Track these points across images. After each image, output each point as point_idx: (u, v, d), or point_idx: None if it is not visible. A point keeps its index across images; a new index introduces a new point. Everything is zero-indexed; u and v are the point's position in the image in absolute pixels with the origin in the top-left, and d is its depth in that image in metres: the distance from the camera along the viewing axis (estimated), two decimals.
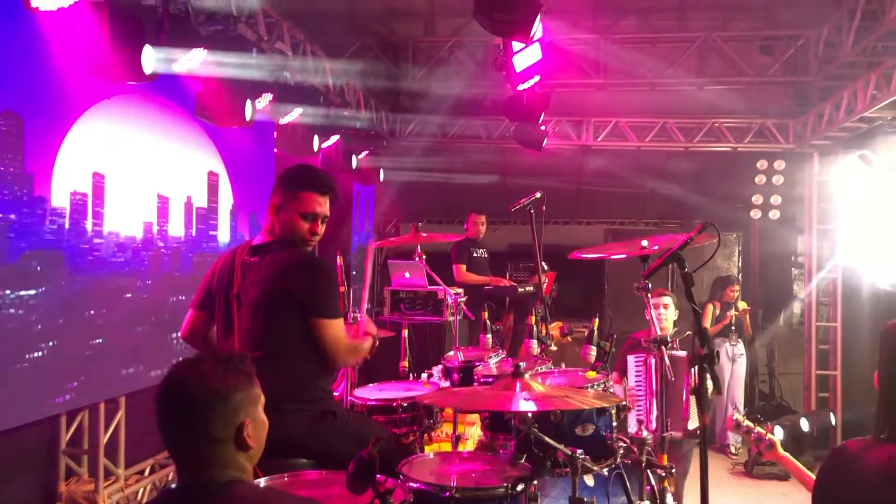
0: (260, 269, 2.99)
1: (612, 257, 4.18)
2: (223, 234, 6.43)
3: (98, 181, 4.83)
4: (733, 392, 8.00)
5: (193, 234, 5.94)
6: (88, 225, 4.76)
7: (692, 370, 3.47)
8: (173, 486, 1.91)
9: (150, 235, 5.36)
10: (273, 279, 2.95)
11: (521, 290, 7.71)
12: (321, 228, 3.10)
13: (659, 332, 4.57)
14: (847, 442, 2.25)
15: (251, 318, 2.96)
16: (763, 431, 3.09)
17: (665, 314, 5.03)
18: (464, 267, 7.79)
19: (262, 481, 2.56)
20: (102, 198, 4.87)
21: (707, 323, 7.92)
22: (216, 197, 6.33)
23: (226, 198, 6.48)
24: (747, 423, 3.16)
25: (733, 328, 7.95)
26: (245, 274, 3.02)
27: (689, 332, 4.96)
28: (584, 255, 3.90)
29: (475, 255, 7.96)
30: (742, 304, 8.05)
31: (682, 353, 4.22)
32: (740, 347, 8.05)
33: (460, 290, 5.97)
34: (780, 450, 3.06)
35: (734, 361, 8.01)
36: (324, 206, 3.08)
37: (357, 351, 3.16)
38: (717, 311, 8.03)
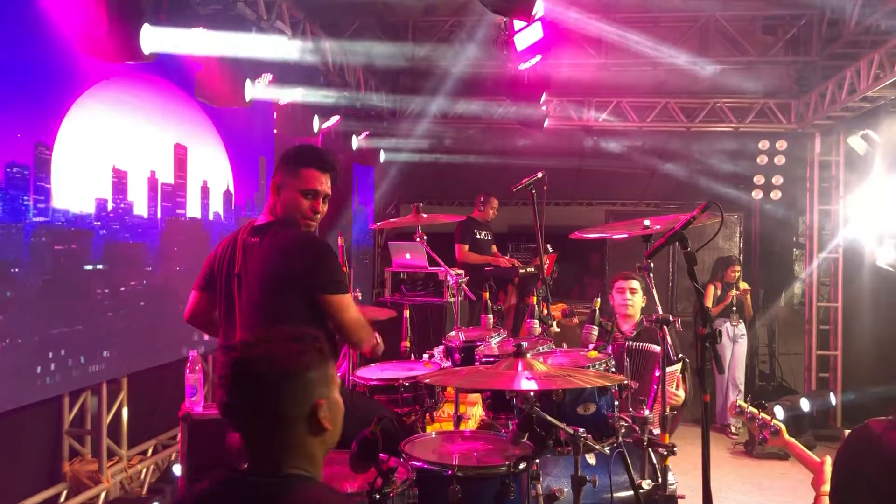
0: (261, 249, 2.98)
1: (614, 237, 4.15)
2: (192, 212, 6.04)
3: (42, 153, 4.32)
4: (734, 372, 8.03)
5: (158, 212, 5.55)
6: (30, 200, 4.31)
7: (663, 367, 3.49)
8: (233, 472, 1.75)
9: (103, 213, 4.87)
10: (274, 260, 2.94)
11: (522, 270, 7.70)
12: (323, 207, 3.07)
13: (621, 320, 4.53)
14: (869, 421, 2.22)
15: (252, 299, 2.96)
16: (767, 417, 3.09)
17: (632, 299, 4.79)
18: (466, 247, 7.78)
19: None
20: (48, 171, 4.37)
21: (708, 303, 7.94)
22: (184, 172, 5.87)
23: (195, 173, 6.03)
24: (751, 409, 3.15)
25: (734, 308, 7.97)
26: (246, 254, 3.01)
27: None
28: (585, 235, 3.90)
29: (478, 236, 7.94)
30: (743, 285, 8.06)
31: (657, 348, 4.10)
32: (741, 328, 8.06)
33: (461, 272, 5.96)
34: (786, 435, 3.06)
35: (735, 342, 8.03)
36: (325, 184, 3.05)
37: (366, 329, 3.12)
38: (719, 292, 8.04)
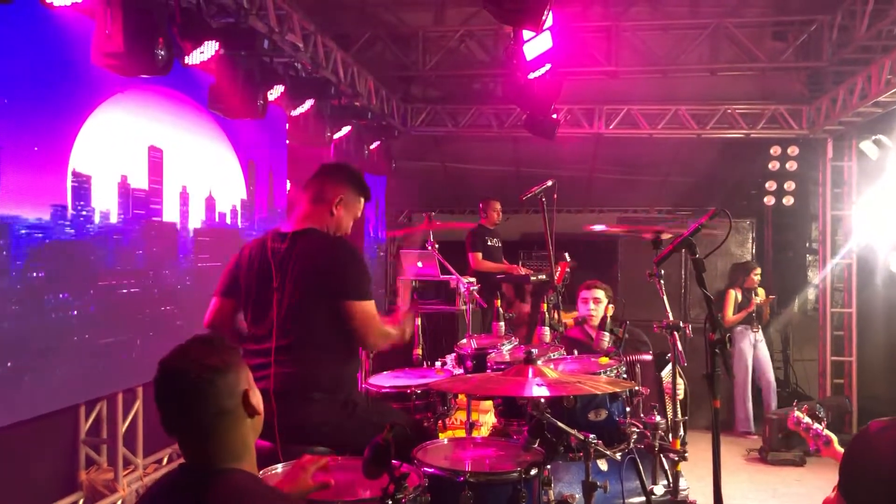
0: (294, 255, 3.01)
1: (629, 236, 4.18)
2: (171, 220, 5.64)
3: None
4: (767, 375, 8.10)
5: (130, 219, 5.13)
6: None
7: (660, 376, 3.52)
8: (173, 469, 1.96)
9: (60, 222, 4.44)
10: (309, 265, 2.98)
11: (534, 278, 7.72)
12: None
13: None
14: (871, 423, 2.30)
15: (283, 306, 2.98)
16: (820, 428, 3.15)
17: (595, 309, 4.72)
18: (479, 255, 7.80)
19: (279, 467, 2.61)
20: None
21: (730, 309, 7.95)
22: (159, 177, 5.48)
23: (173, 177, 5.60)
24: (807, 419, 3.23)
25: (755, 315, 7.99)
26: (280, 263, 3.03)
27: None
28: (595, 228, 3.92)
29: (490, 243, 7.97)
30: (761, 291, 8.06)
31: (648, 357, 4.08)
32: (760, 333, 8.09)
33: (472, 279, 5.98)
34: (837, 446, 3.11)
35: (755, 347, 8.05)
36: None
37: (389, 336, 3.18)
38: (740, 298, 8.03)
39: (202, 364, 1.85)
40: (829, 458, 3.10)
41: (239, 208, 6.58)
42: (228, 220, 6.43)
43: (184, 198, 5.78)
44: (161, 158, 5.51)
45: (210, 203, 6.11)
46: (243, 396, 1.89)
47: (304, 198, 3.19)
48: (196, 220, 5.92)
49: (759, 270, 8.10)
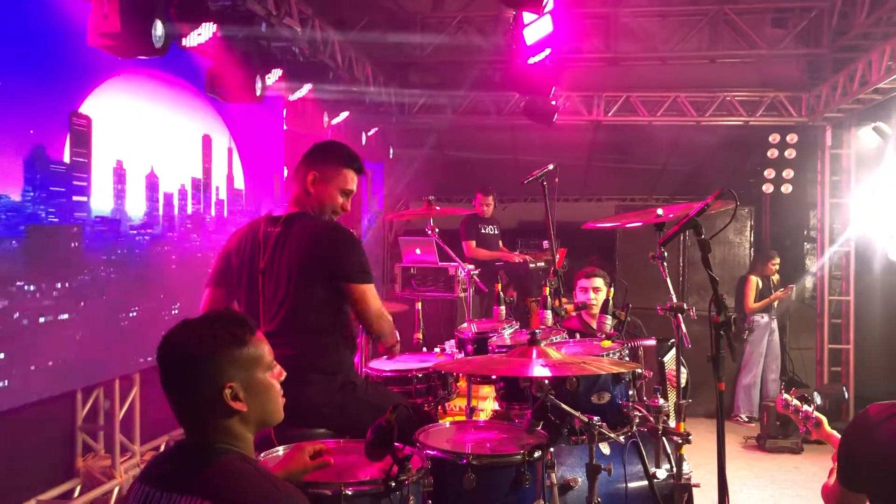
0: (288, 238, 2.98)
1: (627, 226, 4.13)
2: (101, 201, 4.86)
3: None
4: (775, 363, 8.21)
5: (41, 197, 4.35)
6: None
7: (663, 362, 3.47)
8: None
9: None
10: (304, 248, 2.95)
11: (532, 265, 7.69)
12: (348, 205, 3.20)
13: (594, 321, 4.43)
14: (870, 406, 2.30)
15: (277, 289, 2.96)
16: (810, 410, 3.14)
17: (595, 298, 4.68)
18: (473, 243, 7.77)
19: (279, 450, 2.58)
20: None
21: (751, 297, 8.05)
22: (87, 149, 4.71)
23: (103, 152, 4.84)
24: (795, 402, 3.22)
25: (776, 305, 8.17)
26: (271, 245, 3.00)
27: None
28: (599, 225, 3.89)
29: (483, 230, 7.92)
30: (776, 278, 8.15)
31: (651, 342, 4.02)
32: (774, 322, 8.23)
33: (471, 266, 5.95)
34: (828, 427, 3.10)
35: (771, 333, 8.17)
36: (356, 183, 3.19)
37: (388, 319, 3.16)
38: (760, 285, 8.07)
39: (181, 348, 1.80)
40: (827, 446, 3.09)
41: (189, 188, 5.98)
42: (176, 201, 5.84)
43: (118, 175, 5.10)
44: (89, 128, 4.77)
45: (152, 181, 5.50)
46: (220, 392, 1.79)
47: (290, 182, 3.19)
48: (134, 199, 5.31)
49: (777, 260, 8.20)
